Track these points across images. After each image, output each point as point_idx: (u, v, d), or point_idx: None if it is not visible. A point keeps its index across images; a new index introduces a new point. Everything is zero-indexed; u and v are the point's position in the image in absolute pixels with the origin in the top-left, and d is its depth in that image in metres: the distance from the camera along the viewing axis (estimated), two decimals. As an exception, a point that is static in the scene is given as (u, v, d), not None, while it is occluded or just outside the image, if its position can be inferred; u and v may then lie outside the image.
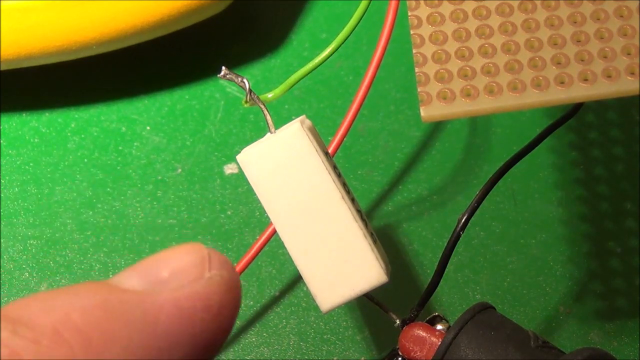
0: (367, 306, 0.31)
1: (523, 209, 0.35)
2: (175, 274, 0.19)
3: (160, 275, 0.19)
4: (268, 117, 0.27)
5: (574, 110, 0.30)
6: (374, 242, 0.27)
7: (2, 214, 0.36)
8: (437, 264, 0.29)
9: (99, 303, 0.17)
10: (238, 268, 0.31)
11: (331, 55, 0.28)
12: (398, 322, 0.29)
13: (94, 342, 0.16)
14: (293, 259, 0.26)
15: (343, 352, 0.33)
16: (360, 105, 0.30)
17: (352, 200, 0.27)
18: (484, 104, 0.25)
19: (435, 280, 0.29)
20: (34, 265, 0.35)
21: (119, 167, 0.36)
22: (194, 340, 0.18)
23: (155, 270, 0.19)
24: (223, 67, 0.27)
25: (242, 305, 0.34)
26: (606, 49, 0.25)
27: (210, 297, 0.19)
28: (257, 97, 0.27)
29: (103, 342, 0.17)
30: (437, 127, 0.37)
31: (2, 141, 0.37)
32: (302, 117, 0.27)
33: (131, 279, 0.18)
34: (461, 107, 0.25)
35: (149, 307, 0.18)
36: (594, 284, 0.34)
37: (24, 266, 0.35)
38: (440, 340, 0.27)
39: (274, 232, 0.30)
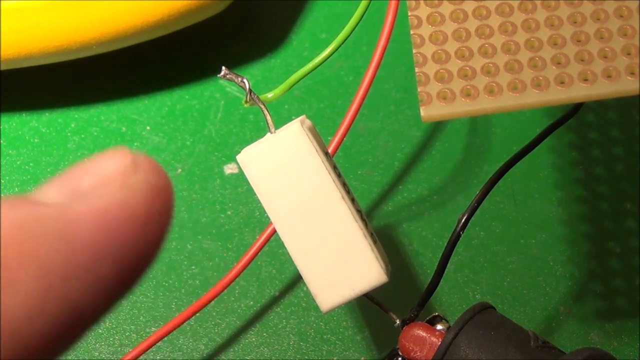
0: (367, 306, 0.31)
1: (523, 209, 0.35)
2: (97, 183, 0.17)
3: (82, 185, 0.17)
4: (268, 117, 0.27)
5: (574, 110, 0.30)
6: (374, 242, 0.27)
7: (2, 214, 0.36)
8: (437, 264, 0.29)
9: (12, 220, 0.16)
10: (238, 268, 0.31)
11: (331, 55, 0.28)
12: (398, 322, 0.29)
13: (7, 263, 0.15)
14: (293, 259, 0.26)
15: (343, 352, 0.33)
16: (360, 105, 0.30)
17: (352, 200, 0.27)
18: (484, 104, 0.25)
19: (435, 280, 0.29)
20: (34, 265, 0.35)
21: (119, 167, 0.36)
22: (119, 253, 0.17)
23: (76, 180, 0.17)
24: (223, 67, 0.27)
25: (242, 305, 0.34)
26: (606, 49, 0.25)
27: (136, 205, 0.17)
28: (257, 97, 0.27)
29: (17, 262, 0.15)
30: (437, 127, 0.37)
31: (2, 141, 0.37)
32: (302, 117, 0.27)
33: (50, 192, 0.17)
34: (461, 107, 0.25)
35: (68, 221, 0.16)
36: (594, 284, 0.34)
37: (24, 266, 0.35)
38: (440, 340, 0.27)
39: (274, 232, 0.30)
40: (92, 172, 0.18)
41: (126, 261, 0.17)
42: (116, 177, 0.17)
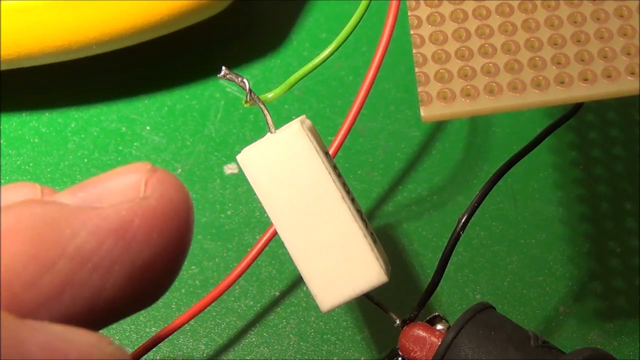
0: (367, 306, 0.31)
1: (523, 209, 0.35)
2: (106, 195, 0.18)
3: (92, 196, 0.18)
4: (268, 117, 0.27)
5: (574, 110, 0.30)
6: (374, 242, 0.27)
7: (2, 214, 0.36)
8: (437, 264, 0.29)
9: (23, 212, 0.18)
10: (239, 269, 0.31)
11: (331, 55, 0.28)
12: (398, 322, 0.29)
13: (7, 239, 0.17)
14: (293, 259, 0.26)
15: (343, 352, 0.33)
16: (362, 106, 0.30)
17: (352, 200, 0.27)
18: (484, 104, 0.25)
19: (435, 280, 0.29)
20: (34, 265, 0.35)
21: (119, 167, 0.36)
22: (121, 265, 0.18)
23: (88, 190, 0.18)
24: (223, 67, 0.27)
25: (242, 305, 0.34)
26: (606, 49, 0.25)
27: (139, 219, 0.18)
28: (257, 97, 0.27)
29: (16, 238, 0.17)
30: (437, 127, 0.37)
31: (2, 141, 0.37)
32: (302, 117, 0.27)
33: (64, 197, 0.18)
34: (461, 107, 0.25)
35: (67, 216, 0.18)
36: (594, 284, 0.34)
37: (24, 266, 0.35)
38: (440, 340, 0.27)
39: (275, 233, 0.30)
40: (103, 184, 0.18)
41: (130, 271, 0.18)
42: (125, 191, 0.18)
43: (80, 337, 0.17)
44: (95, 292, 0.18)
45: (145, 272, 0.18)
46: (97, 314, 0.18)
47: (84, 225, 0.18)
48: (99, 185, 0.19)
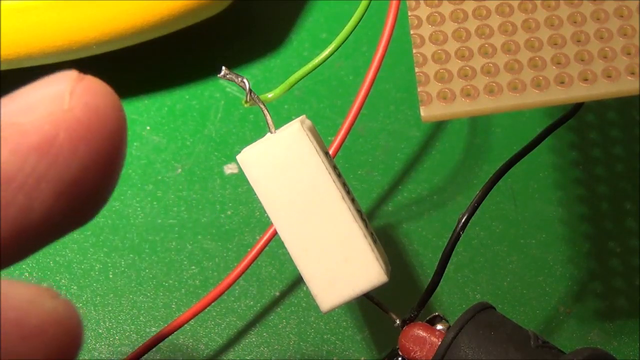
0: (367, 306, 0.31)
1: (523, 209, 0.35)
2: (28, 109, 0.17)
3: (13, 111, 0.17)
4: (268, 117, 0.27)
5: (574, 110, 0.30)
6: (374, 242, 0.27)
7: (2, 214, 0.36)
8: (437, 264, 0.29)
9: None
10: (239, 269, 0.31)
11: (331, 55, 0.28)
12: (398, 322, 0.29)
13: None
14: (293, 259, 0.26)
15: (343, 352, 0.33)
16: (362, 106, 0.30)
17: (352, 200, 0.27)
18: (484, 104, 0.25)
19: (435, 280, 0.29)
20: (34, 265, 0.35)
21: (119, 167, 0.36)
22: (48, 183, 0.17)
23: (9, 105, 0.17)
24: (223, 67, 0.27)
25: (242, 305, 0.34)
26: (606, 49, 0.25)
27: (64, 133, 0.17)
28: (257, 97, 0.27)
29: None
30: (437, 127, 0.37)
31: (2, 141, 0.37)
32: (302, 117, 0.27)
33: None
34: (461, 107, 0.25)
35: None
36: (594, 284, 0.34)
37: (24, 266, 0.35)
38: (440, 340, 0.27)
39: (275, 233, 0.30)
40: (25, 96, 0.18)
41: (40, 186, 0.17)
42: (45, 103, 0.17)
43: (15, 292, 0.16)
44: (22, 214, 0.17)
45: (76, 188, 0.17)
46: (26, 238, 0.17)
47: (5, 143, 0.16)
48: (21, 99, 0.17)
